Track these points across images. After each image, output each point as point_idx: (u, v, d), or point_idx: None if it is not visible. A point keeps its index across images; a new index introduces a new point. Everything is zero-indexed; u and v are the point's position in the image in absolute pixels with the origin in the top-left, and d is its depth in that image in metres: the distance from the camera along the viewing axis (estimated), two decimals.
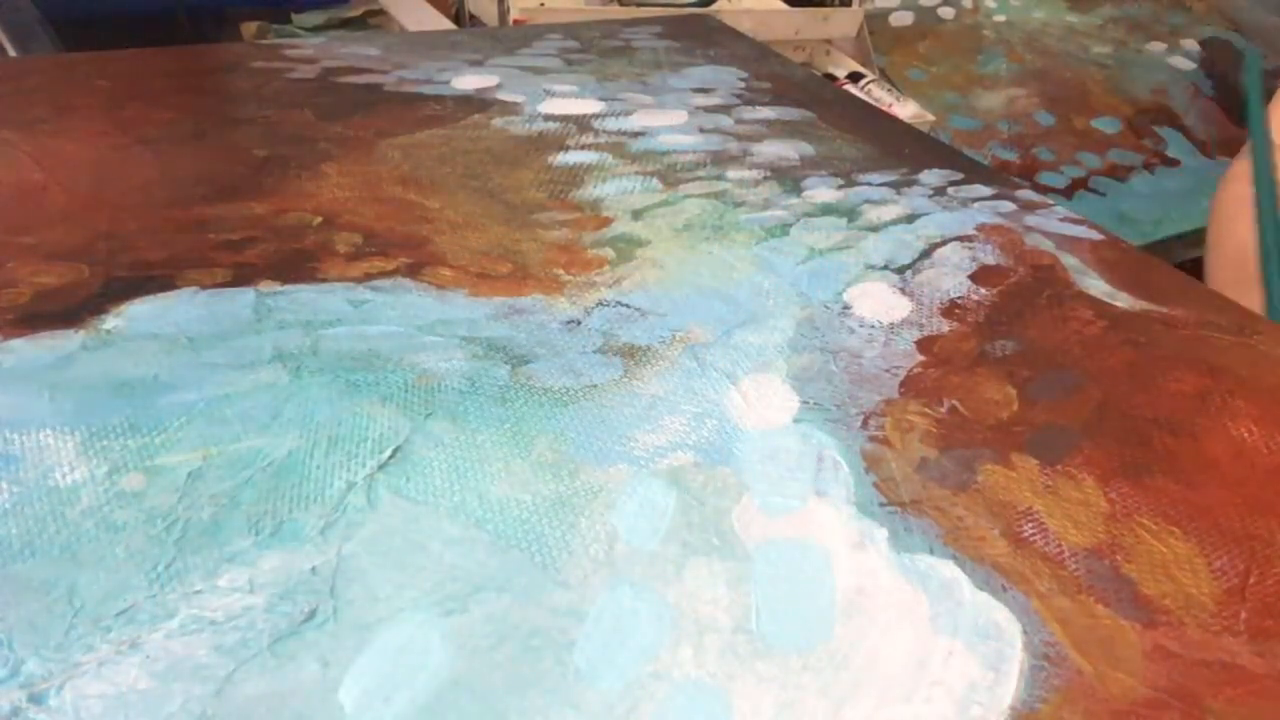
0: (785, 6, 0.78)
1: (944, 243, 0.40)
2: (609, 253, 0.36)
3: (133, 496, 0.23)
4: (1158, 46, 0.94)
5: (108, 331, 0.29)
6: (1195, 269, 0.76)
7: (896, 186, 0.44)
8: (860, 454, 0.28)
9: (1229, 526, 0.27)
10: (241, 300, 0.31)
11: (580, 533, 0.24)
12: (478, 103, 0.47)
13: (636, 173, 0.42)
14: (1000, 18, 0.93)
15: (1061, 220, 0.43)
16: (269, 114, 0.43)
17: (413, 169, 0.40)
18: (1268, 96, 0.63)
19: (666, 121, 0.48)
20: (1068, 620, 0.24)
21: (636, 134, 0.46)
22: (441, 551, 0.23)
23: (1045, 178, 0.74)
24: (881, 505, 0.26)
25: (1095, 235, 0.42)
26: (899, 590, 0.24)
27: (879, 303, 0.35)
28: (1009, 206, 0.43)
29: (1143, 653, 0.23)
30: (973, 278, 0.37)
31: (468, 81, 0.50)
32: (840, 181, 0.44)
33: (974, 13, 0.93)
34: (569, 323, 0.32)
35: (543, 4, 0.68)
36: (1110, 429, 0.30)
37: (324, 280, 0.32)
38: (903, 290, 0.36)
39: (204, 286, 0.31)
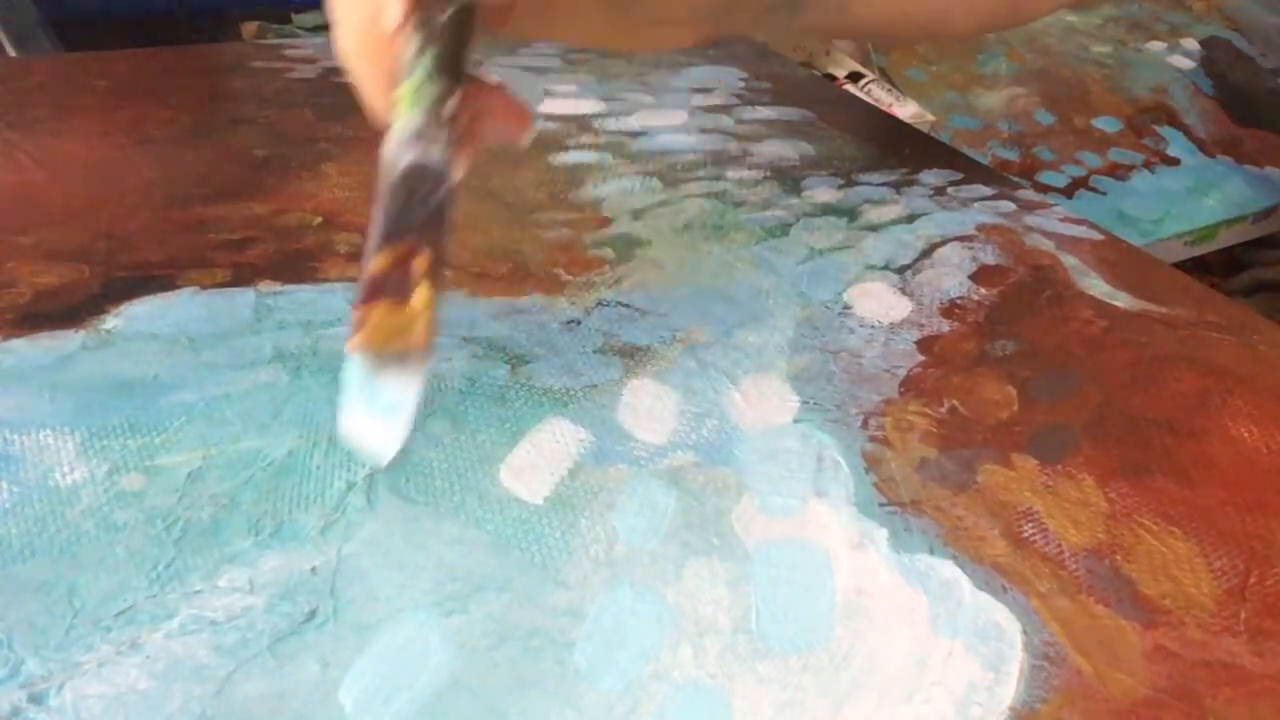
0: None
1: (944, 243, 0.40)
2: (609, 253, 0.36)
3: (133, 496, 0.23)
4: (1157, 46, 0.94)
5: (108, 331, 0.29)
6: (1195, 269, 0.76)
7: (896, 186, 0.44)
8: (860, 454, 0.28)
9: (1229, 526, 0.27)
10: (241, 300, 0.31)
11: (580, 533, 0.24)
12: None
13: (636, 173, 0.42)
14: None
15: (1061, 220, 0.43)
16: (269, 114, 0.43)
17: None
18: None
19: (666, 121, 0.48)
20: (1068, 620, 0.24)
21: (636, 134, 0.46)
22: (441, 551, 0.23)
23: (1046, 177, 0.74)
24: (881, 505, 0.26)
25: (1095, 235, 0.42)
26: (899, 591, 0.24)
27: (879, 303, 0.35)
28: (1009, 206, 0.43)
29: (1143, 653, 0.23)
30: (973, 278, 0.37)
31: None
32: (840, 181, 0.44)
33: None
34: (569, 323, 0.32)
35: None
36: (1110, 429, 0.30)
37: (324, 280, 0.32)
38: (903, 290, 0.36)
39: (204, 286, 0.31)
